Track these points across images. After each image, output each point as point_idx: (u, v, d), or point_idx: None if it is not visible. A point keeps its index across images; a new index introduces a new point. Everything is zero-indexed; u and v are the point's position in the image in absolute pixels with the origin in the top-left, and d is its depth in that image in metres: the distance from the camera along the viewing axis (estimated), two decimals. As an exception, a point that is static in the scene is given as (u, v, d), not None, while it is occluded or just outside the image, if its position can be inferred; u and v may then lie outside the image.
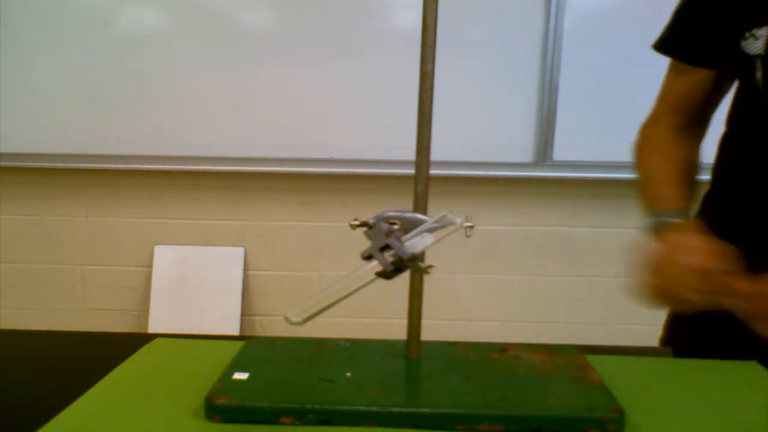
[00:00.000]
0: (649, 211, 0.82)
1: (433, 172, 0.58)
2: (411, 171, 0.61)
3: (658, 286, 0.70)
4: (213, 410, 0.55)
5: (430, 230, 0.56)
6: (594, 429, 0.52)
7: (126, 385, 0.62)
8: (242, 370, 0.60)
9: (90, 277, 2.20)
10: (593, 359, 0.65)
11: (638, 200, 0.87)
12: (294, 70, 1.93)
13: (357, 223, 0.59)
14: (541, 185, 2.05)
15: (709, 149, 0.90)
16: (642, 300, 0.72)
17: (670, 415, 0.56)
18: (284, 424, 0.54)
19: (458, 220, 0.57)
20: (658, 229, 0.78)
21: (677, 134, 0.87)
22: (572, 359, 0.65)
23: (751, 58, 0.76)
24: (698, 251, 0.69)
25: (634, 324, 2.07)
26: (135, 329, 2.20)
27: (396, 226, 0.55)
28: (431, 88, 0.56)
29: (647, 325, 2.06)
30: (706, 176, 0.91)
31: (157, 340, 0.73)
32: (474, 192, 2.07)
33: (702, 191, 0.90)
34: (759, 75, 0.76)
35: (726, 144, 0.88)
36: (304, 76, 1.94)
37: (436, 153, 0.66)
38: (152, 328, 2.10)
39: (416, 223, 0.56)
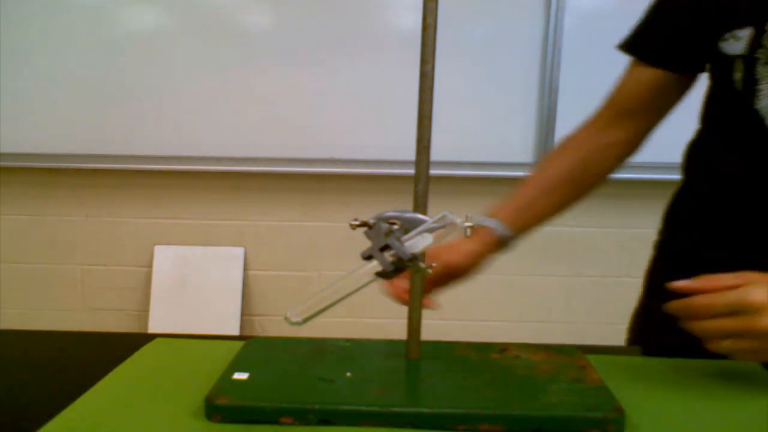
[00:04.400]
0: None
1: (433, 172, 0.58)
2: (411, 171, 0.61)
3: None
4: (213, 410, 0.55)
5: (430, 230, 0.56)
6: (594, 429, 0.52)
7: (126, 385, 0.61)
8: (242, 370, 0.60)
9: (90, 277, 2.20)
10: (593, 359, 0.65)
11: None
12: (294, 70, 1.93)
13: (357, 223, 0.59)
14: (541, 185, 2.05)
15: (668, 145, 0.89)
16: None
17: (670, 415, 0.56)
18: (284, 424, 0.54)
19: (458, 220, 0.57)
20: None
21: (608, 140, 0.85)
22: (572, 359, 0.65)
23: (731, 59, 0.74)
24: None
25: (634, 324, 2.07)
26: (135, 329, 2.20)
27: (396, 226, 0.55)
28: (431, 88, 0.56)
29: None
30: (675, 176, 0.90)
31: (157, 340, 0.73)
32: (474, 192, 2.06)
33: (671, 190, 0.89)
34: (738, 76, 0.74)
35: (701, 142, 0.86)
36: (304, 76, 1.94)
37: (436, 153, 0.66)
38: (152, 328, 2.11)
39: (416, 223, 0.56)
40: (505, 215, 0.80)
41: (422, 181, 0.58)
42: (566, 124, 1.91)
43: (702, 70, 0.83)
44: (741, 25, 0.72)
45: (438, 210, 0.58)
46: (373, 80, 1.92)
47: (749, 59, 0.73)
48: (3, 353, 0.71)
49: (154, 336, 0.74)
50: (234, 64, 1.94)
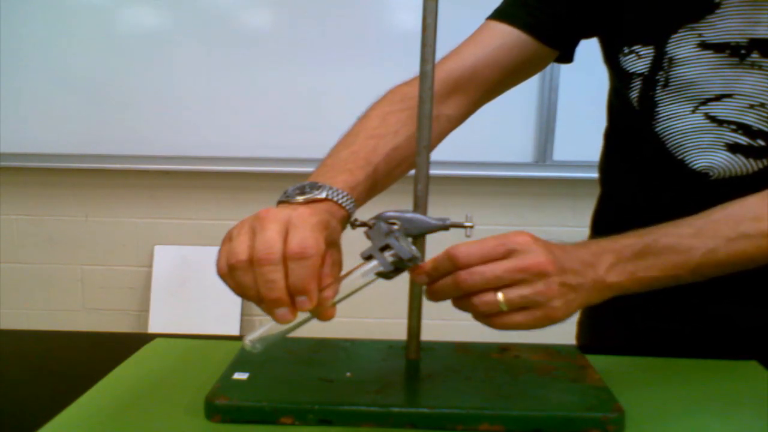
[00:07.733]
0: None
1: (433, 172, 0.58)
2: (411, 171, 0.61)
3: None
4: (213, 410, 0.55)
5: (432, 231, 0.56)
6: (594, 429, 0.52)
7: (126, 385, 0.61)
8: (242, 370, 0.60)
9: (90, 277, 2.20)
10: (593, 359, 0.65)
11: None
12: (294, 70, 1.93)
13: (357, 222, 0.59)
14: (541, 185, 2.05)
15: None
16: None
17: (670, 415, 0.56)
18: (284, 424, 0.54)
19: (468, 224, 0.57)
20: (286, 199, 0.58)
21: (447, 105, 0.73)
22: (572, 359, 0.65)
23: (629, 76, 0.70)
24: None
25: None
26: (135, 329, 2.20)
27: (396, 226, 0.55)
28: (431, 88, 0.56)
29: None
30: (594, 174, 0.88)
31: (157, 340, 0.73)
32: (474, 192, 2.06)
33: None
34: (635, 96, 0.70)
35: (608, 157, 0.86)
36: (304, 76, 1.94)
37: (436, 153, 0.66)
38: (152, 328, 2.10)
39: (416, 223, 0.56)
40: (351, 190, 0.60)
41: (422, 181, 0.58)
42: (566, 124, 1.92)
43: (570, 54, 0.79)
44: (646, 42, 0.68)
45: (438, 210, 0.58)
46: (373, 80, 1.91)
47: (649, 80, 0.69)
48: (3, 353, 0.71)
49: (154, 336, 0.74)
50: (234, 64, 1.94)
